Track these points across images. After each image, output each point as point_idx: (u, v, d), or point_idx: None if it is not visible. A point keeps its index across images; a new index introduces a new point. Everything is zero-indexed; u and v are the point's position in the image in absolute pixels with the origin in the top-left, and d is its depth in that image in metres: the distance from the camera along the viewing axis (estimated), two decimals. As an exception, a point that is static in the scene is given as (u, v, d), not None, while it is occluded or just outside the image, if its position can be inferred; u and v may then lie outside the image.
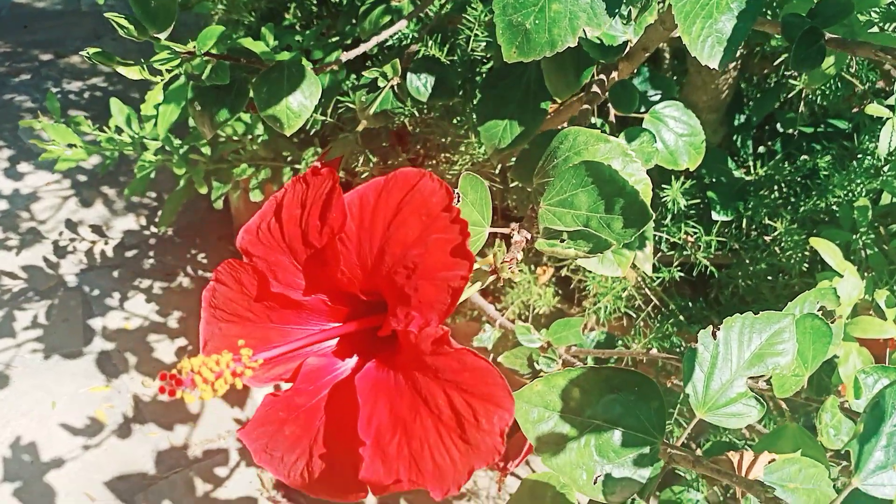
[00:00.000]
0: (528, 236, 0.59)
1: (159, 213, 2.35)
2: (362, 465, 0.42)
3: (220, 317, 0.48)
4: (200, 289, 2.21)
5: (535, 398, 0.56)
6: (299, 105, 0.92)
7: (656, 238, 1.31)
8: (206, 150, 1.48)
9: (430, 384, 0.41)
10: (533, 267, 1.37)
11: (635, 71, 1.01)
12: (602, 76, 0.88)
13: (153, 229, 2.29)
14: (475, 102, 0.98)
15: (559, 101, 0.99)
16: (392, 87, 1.13)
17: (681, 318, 1.29)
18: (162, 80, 1.00)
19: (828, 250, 1.05)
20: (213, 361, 0.39)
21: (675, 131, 0.96)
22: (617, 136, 0.89)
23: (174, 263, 2.21)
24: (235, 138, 1.61)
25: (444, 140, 1.20)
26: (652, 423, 0.58)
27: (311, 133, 1.63)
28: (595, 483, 0.57)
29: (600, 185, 0.58)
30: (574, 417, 0.57)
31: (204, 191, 1.47)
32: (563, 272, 1.35)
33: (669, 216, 1.29)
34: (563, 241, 0.58)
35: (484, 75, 1.16)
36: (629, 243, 0.75)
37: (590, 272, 1.34)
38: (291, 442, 0.46)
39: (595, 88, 0.86)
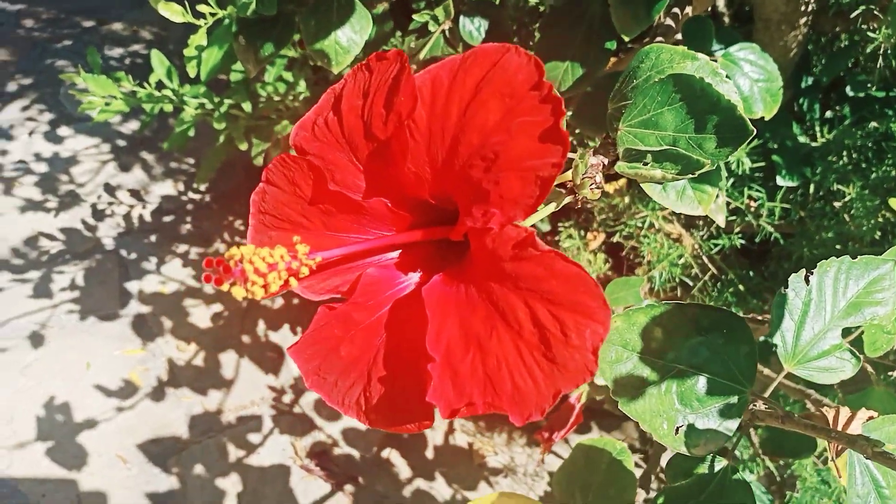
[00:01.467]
0: (605, 161, 0.53)
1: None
2: (430, 385, 0.36)
3: (271, 223, 0.42)
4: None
5: (613, 336, 0.50)
6: (348, 40, 0.86)
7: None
8: (247, 107, 1.44)
9: (508, 295, 0.36)
10: (583, 232, 1.31)
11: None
12: (676, 10, 0.82)
13: (191, 195, 2.27)
14: (534, 43, 0.92)
15: (626, 41, 0.92)
16: (443, 31, 1.07)
17: (740, 287, 1.22)
18: (206, 23, 0.96)
19: (911, 212, 0.97)
20: (267, 252, 0.33)
21: (751, 76, 0.89)
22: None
23: (211, 229, 2.18)
24: (277, 98, 1.56)
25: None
26: (741, 371, 0.52)
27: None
28: (677, 433, 0.51)
29: (690, 102, 0.52)
30: (655, 360, 0.51)
31: (244, 147, 1.42)
32: (616, 238, 1.28)
33: (731, 179, 1.22)
34: (646, 163, 0.52)
35: (543, 14, 1.09)
36: (712, 178, 0.69)
37: (645, 238, 1.27)
38: (347, 364, 0.41)
39: (669, 21, 0.79)
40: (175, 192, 2.27)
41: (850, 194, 1.15)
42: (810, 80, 1.33)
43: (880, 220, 1.13)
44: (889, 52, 1.06)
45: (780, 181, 1.22)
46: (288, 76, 1.59)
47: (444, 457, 1.71)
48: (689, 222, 1.28)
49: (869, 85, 1.25)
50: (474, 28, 1.04)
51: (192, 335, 1.89)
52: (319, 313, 0.41)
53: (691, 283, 1.24)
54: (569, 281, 0.34)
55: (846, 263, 0.59)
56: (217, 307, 1.97)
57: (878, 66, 1.10)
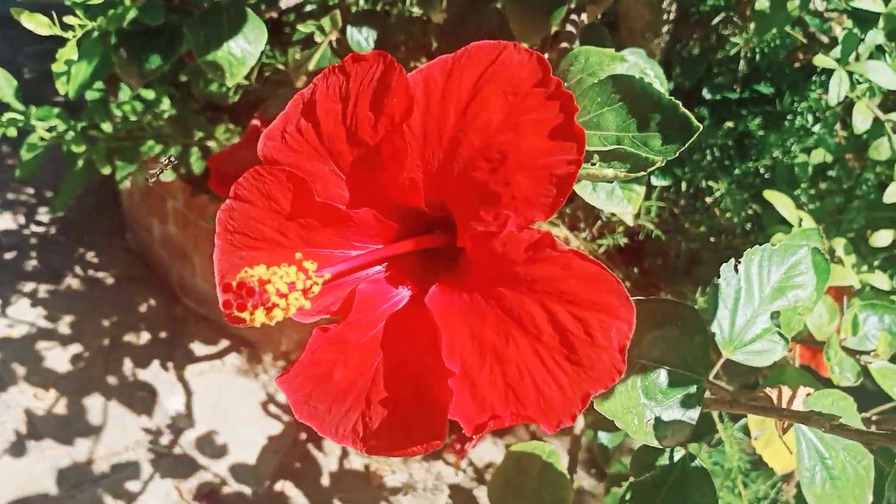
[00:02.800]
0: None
1: (39, 209, 2.14)
2: (447, 402, 0.34)
3: (241, 243, 0.39)
4: (91, 291, 2.02)
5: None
6: (243, 51, 0.82)
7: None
8: (107, 127, 1.33)
9: (522, 300, 0.34)
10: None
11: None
12: (574, 17, 0.84)
13: (34, 227, 2.07)
14: (434, 51, 0.91)
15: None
16: (330, 42, 1.04)
17: (627, 283, 1.27)
18: (74, 35, 0.88)
19: (781, 202, 1.05)
20: (284, 271, 0.30)
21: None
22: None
23: (60, 264, 2.00)
24: (133, 117, 1.46)
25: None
26: (696, 360, 0.54)
27: (224, 108, 1.51)
28: (646, 428, 0.51)
29: (630, 102, 0.53)
30: (620, 357, 0.52)
31: (107, 170, 1.32)
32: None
33: (612, 181, 1.27)
34: (593, 163, 0.52)
35: (430, 24, 1.09)
36: (640, 178, 0.71)
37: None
38: (342, 389, 0.38)
39: (570, 28, 0.81)
40: (15, 226, 2.07)
41: (719, 189, 1.23)
42: (672, 85, 1.41)
43: (749, 212, 1.21)
44: (748, 55, 1.14)
45: (654, 181, 1.29)
46: (147, 94, 1.49)
47: (341, 482, 1.66)
48: (573, 225, 1.32)
49: (727, 87, 1.34)
50: (363, 38, 1.02)
51: (49, 381, 1.72)
52: (313, 336, 0.37)
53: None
54: (589, 280, 0.33)
55: (767, 251, 0.62)
56: (76, 348, 1.81)
57: (739, 68, 1.18)
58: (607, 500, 1.18)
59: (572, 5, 0.84)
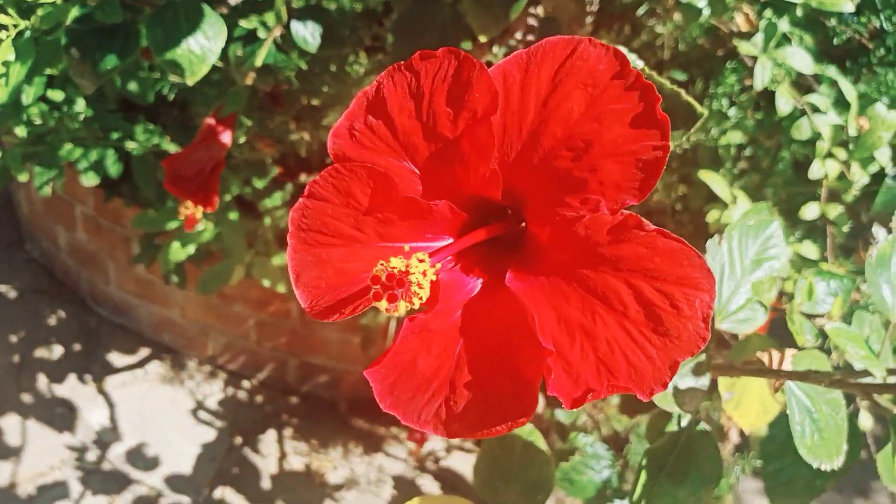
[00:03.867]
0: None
1: (-74, 223, 1.98)
2: (540, 380, 0.36)
3: (316, 240, 0.39)
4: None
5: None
6: (202, 48, 0.80)
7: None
8: (21, 132, 1.26)
9: (607, 280, 0.37)
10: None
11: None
12: (532, 10, 0.87)
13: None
14: (390, 45, 0.92)
15: (482, 41, 0.95)
16: (274, 38, 1.02)
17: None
18: (8, 35, 0.83)
19: (716, 182, 1.12)
20: (415, 260, 0.31)
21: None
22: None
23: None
24: (38, 121, 1.38)
25: (329, 92, 1.12)
26: (701, 329, 0.58)
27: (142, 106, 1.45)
28: (668, 397, 0.55)
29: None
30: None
31: (24, 177, 1.24)
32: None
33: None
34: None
35: (379, 17, 1.09)
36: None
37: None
38: (426, 376, 0.39)
39: (532, 22, 0.84)
40: None
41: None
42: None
43: (678, 193, 1.29)
44: (671, 44, 1.21)
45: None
46: (55, 95, 1.41)
47: (283, 483, 1.64)
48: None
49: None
50: (308, 33, 1.01)
51: (-43, 406, 1.61)
52: (402, 327, 0.38)
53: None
54: (672, 256, 0.36)
55: (745, 227, 0.67)
56: (-17, 370, 1.70)
57: (661, 57, 1.25)
58: (558, 473, 1.22)
59: (530, -2, 0.87)
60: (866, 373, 0.59)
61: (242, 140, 1.13)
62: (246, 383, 1.84)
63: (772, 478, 0.83)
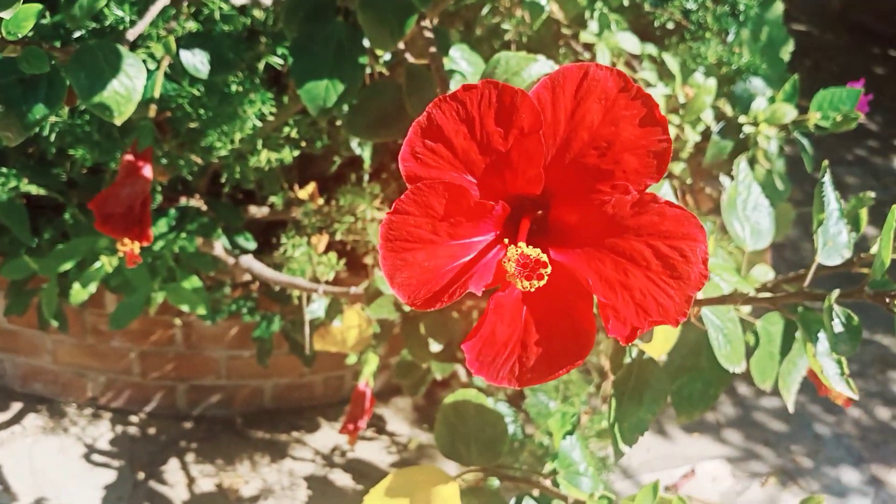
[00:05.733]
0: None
1: None
2: (594, 328, 0.47)
3: (400, 247, 0.47)
4: None
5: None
6: (126, 88, 0.83)
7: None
8: None
9: (632, 243, 0.49)
10: (307, 238, 1.39)
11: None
12: (424, 24, 0.96)
13: None
14: (291, 66, 0.97)
15: (380, 54, 1.04)
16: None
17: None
18: None
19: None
20: (529, 249, 0.41)
21: (467, 70, 1.08)
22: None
23: None
24: None
25: (209, 115, 1.15)
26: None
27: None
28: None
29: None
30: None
31: None
32: (338, 236, 1.40)
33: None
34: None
35: (275, 36, 1.14)
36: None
37: (364, 230, 1.41)
38: (503, 341, 0.49)
39: (429, 34, 0.94)
40: None
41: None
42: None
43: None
44: (519, 39, 1.36)
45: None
46: None
47: (198, 507, 1.64)
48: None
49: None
50: (198, 61, 1.04)
51: None
52: (487, 306, 0.48)
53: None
54: (677, 220, 0.48)
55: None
56: None
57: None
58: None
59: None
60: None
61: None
62: (134, 418, 1.79)
63: (676, 394, 1.00)
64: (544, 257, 0.45)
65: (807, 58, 4.04)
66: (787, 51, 1.54)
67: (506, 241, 0.51)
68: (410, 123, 1.02)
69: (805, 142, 1.24)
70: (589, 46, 1.34)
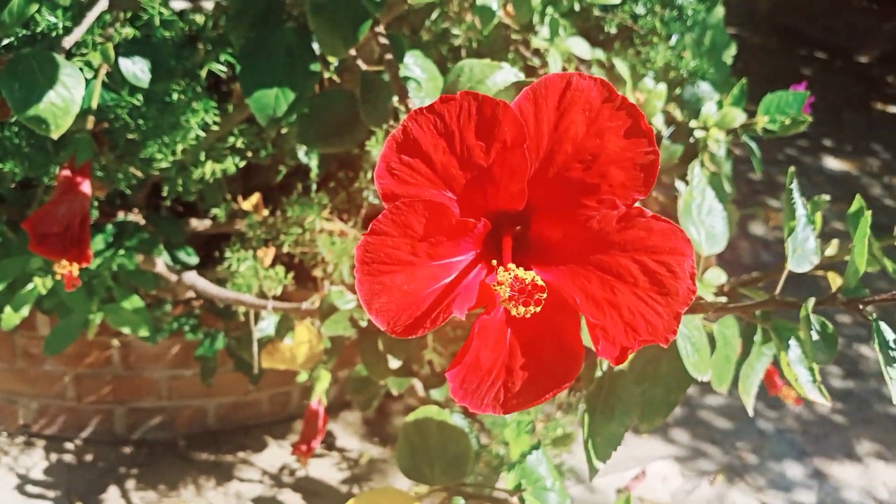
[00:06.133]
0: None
1: None
2: (598, 347, 0.45)
3: (378, 270, 0.44)
4: None
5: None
6: (64, 100, 0.78)
7: (365, 194, 1.39)
8: None
9: (618, 259, 0.47)
10: (253, 252, 1.34)
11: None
12: (377, 29, 0.93)
13: None
14: (239, 74, 0.93)
15: (332, 61, 1.00)
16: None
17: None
18: None
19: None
20: (520, 270, 0.39)
21: (420, 77, 1.06)
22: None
23: None
24: None
25: (149, 125, 1.09)
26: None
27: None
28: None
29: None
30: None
31: None
32: (285, 248, 1.35)
33: (372, 171, 1.39)
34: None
35: (221, 42, 1.08)
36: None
37: (312, 241, 1.37)
38: (488, 368, 0.46)
39: (384, 41, 0.91)
40: None
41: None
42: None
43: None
44: (468, 45, 1.34)
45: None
46: None
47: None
48: (348, 219, 1.42)
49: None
50: (138, 69, 0.99)
51: None
52: (472, 331, 0.45)
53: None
54: (664, 234, 0.47)
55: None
56: None
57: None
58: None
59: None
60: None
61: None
62: (70, 445, 1.70)
63: (640, 399, 0.99)
64: (540, 281, 0.42)
65: (738, 60, 4.15)
66: (729, 54, 1.57)
67: (492, 261, 0.48)
68: (365, 132, 1.00)
69: (753, 145, 1.25)
70: (538, 52, 1.33)
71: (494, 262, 0.49)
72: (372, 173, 1.41)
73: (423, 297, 0.45)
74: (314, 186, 1.42)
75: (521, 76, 0.72)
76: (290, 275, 1.34)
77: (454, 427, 0.94)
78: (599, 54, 1.36)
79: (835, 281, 0.82)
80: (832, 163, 3.68)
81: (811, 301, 0.59)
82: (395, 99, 0.96)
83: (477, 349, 0.46)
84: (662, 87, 1.23)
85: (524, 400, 0.47)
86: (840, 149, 3.78)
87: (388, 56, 0.87)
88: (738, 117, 1.19)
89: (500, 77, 0.71)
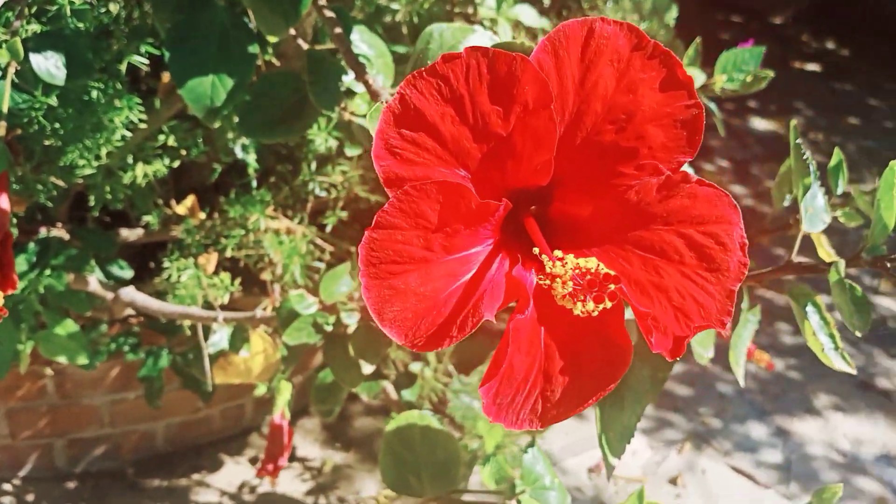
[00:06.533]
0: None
1: None
2: (651, 339, 0.38)
3: (388, 272, 0.36)
4: None
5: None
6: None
7: (311, 186, 1.30)
8: None
9: (661, 235, 0.40)
10: (194, 259, 1.24)
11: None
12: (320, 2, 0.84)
13: None
14: (169, 62, 0.83)
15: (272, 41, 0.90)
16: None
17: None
18: None
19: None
20: (581, 260, 0.32)
21: (369, 53, 0.97)
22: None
23: None
24: None
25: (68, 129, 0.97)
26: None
27: None
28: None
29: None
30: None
31: None
32: (229, 252, 1.25)
33: (315, 161, 1.30)
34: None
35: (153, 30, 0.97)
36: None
37: (258, 242, 1.27)
38: (524, 375, 0.39)
39: (329, 13, 0.82)
40: None
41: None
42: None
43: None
44: (409, 19, 1.25)
45: (348, 152, 1.35)
46: None
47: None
48: (293, 215, 1.32)
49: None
50: (52, 65, 0.88)
51: None
52: (504, 336, 0.38)
53: (322, 266, 1.29)
54: (710, 200, 0.40)
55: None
56: None
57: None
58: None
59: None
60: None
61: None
62: (8, 486, 1.56)
63: (650, 384, 0.94)
64: (608, 270, 0.35)
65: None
66: (671, 17, 1.53)
67: (513, 250, 0.41)
68: (315, 117, 0.91)
69: (713, 106, 1.21)
70: (482, 24, 1.26)
71: (516, 251, 0.42)
72: (314, 164, 1.32)
73: (444, 300, 0.37)
74: (254, 183, 1.32)
75: (497, 39, 0.64)
76: (237, 281, 1.24)
77: (440, 431, 0.87)
78: (546, 23, 1.30)
79: (820, 241, 0.77)
80: (759, 123, 3.74)
81: (842, 263, 0.54)
82: (346, 78, 0.88)
83: (510, 356, 0.39)
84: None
85: (565, 408, 0.40)
86: (765, 109, 3.84)
87: (338, 30, 0.78)
88: (697, 78, 1.15)
89: (474, 41, 0.64)
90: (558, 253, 0.36)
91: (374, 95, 0.71)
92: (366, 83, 0.71)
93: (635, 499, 0.71)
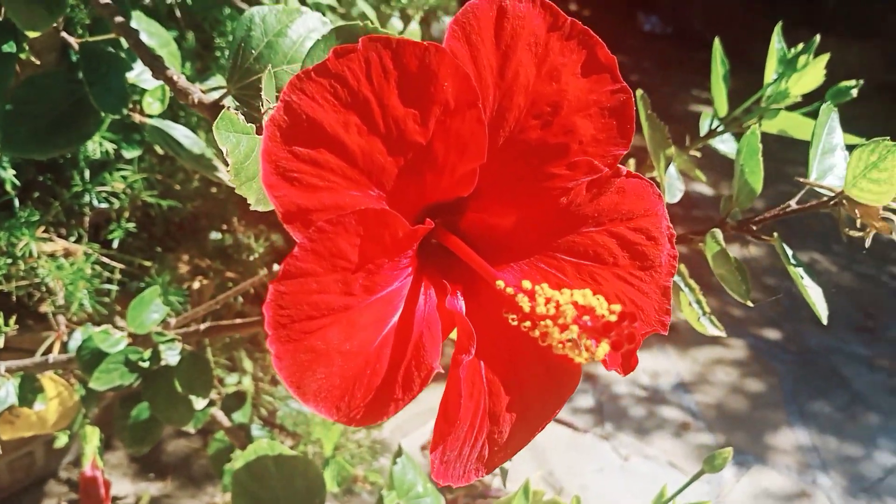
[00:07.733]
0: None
1: None
2: (607, 360, 0.34)
3: (303, 331, 0.27)
4: None
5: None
6: None
7: (86, 198, 1.12)
8: None
9: (593, 237, 0.36)
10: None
11: None
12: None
13: None
14: None
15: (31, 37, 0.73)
16: None
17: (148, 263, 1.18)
18: None
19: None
20: (578, 294, 0.25)
21: (149, 43, 0.84)
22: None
23: None
24: None
25: None
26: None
27: None
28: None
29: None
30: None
31: None
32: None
33: (88, 169, 1.12)
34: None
35: None
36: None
37: (29, 271, 1.08)
38: (469, 421, 0.33)
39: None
40: None
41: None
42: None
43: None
44: (180, 2, 1.11)
45: (126, 154, 1.18)
46: None
47: None
48: (69, 233, 1.14)
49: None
50: None
51: None
52: (448, 384, 0.31)
53: (119, 287, 1.13)
54: (638, 192, 0.36)
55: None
56: None
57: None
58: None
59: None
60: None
61: None
62: None
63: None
64: (615, 304, 0.29)
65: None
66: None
67: (432, 276, 0.34)
68: (96, 123, 0.76)
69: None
70: (258, 3, 1.15)
71: (437, 276, 0.35)
72: (87, 172, 1.14)
73: (375, 354, 0.30)
74: (16, 202, 1.11)
75: (329, 22, 0.56)
76: (12, 319, 1.05)
77: (296, 458, 0.79)
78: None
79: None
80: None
81: (719, 232, 0.53)
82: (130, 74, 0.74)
83: (455, 403, 0.32)
84: (416, 28, 1.12)
85: (514, 446, 0.35)
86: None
87: (119, 18, 0.65)
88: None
89: (303, 25, 0.55)
90: (527, 284, 0.30)
91: (180, 94, 0.60)
92: (168, 80, 0.60)
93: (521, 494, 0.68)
